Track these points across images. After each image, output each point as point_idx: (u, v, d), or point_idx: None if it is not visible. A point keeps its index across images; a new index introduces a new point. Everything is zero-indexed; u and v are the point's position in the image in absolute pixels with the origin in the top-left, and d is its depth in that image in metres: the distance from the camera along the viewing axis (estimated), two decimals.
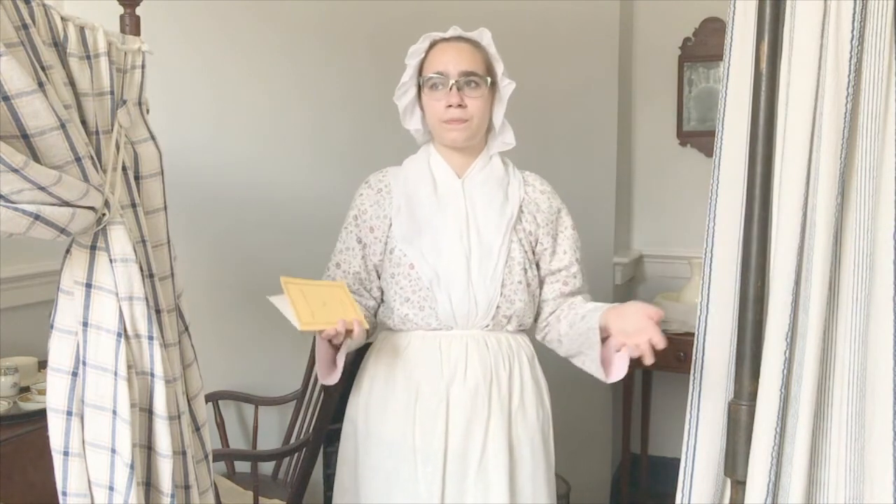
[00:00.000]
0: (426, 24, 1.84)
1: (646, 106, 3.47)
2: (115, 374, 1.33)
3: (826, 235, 1.31)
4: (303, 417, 2.75)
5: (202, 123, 2.91)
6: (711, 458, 1.50)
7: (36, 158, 1.16)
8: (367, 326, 1.61)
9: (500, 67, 1.77)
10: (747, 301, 1.40)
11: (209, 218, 2.91)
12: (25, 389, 2.20)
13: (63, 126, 1.17)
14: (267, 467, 2.81)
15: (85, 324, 1.34)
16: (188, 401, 1.51)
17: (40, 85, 1.14)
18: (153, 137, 1.45)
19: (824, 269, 1.32)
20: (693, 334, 1.54)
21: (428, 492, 1.71)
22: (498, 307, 1.75)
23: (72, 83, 1.27)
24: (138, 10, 1.50)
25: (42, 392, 2.11)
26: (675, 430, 2.27)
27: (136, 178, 1.41)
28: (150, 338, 1.36)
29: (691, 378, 1.53)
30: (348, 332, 1.57)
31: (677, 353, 2.84)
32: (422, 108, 1.81)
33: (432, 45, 1.78)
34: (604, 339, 1.67)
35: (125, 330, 1.34)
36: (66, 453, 1.35)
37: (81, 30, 1.29)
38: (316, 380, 2.68)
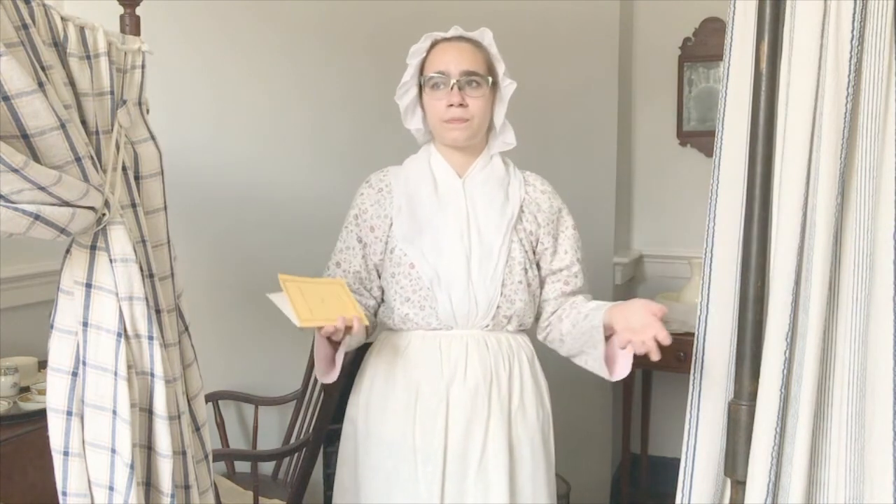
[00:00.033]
0: (426, 24, 1.85)
1: (646, 106, 3.47)
2: (115, 374, 1.33)
3: (826, 235, 1.31)
4: (303, 417, 2.75)
5: (202, 123, 2.91)
6: (711, 458, 1.50)
7: (36, 158, 1.16)
8: (366, 323, 1.62)
9: (501, 67, 1.77)
10: (747, 301, 1.40)
11: (209, 218, 2.91)
12: (25, 389, 2.20)
13: (63, 126, 1.17)
14: (267, 467, 2.81)
15: (85, 324, 1.34)
16: (188, 401, 1.50)
17: (40, 85, 1.14)
18: (153, 137, 1.45)
19: (824, 269, 1.32)
20: (693, 334, 1.54)
21: (428, 492, 1.71)
22: (498, 307, 1.75)
23: (72, 83, 1.27)
24: (138, 10, 1.50)
25: (42, 392, 2.11)
26: (675, 430, 2.27)
27: (136, 178, 1.41)
28: (150, 338, 1.36)
29: (691, 378, 1.53)
30: (348, 329, 1.57)
31: (677, 353, 2.83)
32: (423, 108, 1.81)
33: (434, 44, 1.78)
34: (606, 338, 1.67)
35: (125, 330, 1.34)
36: (66, 453, 1.35)
37: (81, 30, 1.29)
38: (316, 380, 2.68)
